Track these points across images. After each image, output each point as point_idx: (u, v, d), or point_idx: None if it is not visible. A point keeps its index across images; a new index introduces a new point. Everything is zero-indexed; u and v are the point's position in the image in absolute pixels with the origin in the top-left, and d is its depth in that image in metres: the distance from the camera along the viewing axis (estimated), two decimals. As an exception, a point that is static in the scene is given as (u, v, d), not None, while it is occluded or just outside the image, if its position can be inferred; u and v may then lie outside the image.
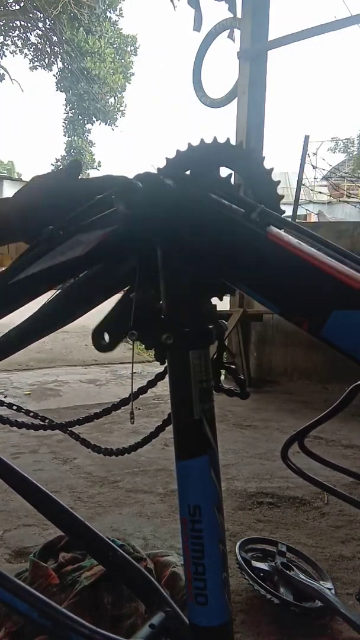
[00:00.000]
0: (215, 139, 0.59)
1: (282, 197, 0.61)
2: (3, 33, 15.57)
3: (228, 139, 0.60)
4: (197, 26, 4.71)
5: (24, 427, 1.06)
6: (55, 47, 15.98)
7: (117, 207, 0.53)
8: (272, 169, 0.60)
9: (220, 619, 0.51)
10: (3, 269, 0.65)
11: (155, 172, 0.61)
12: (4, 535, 1.81)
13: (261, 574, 1.48)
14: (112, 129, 19.41)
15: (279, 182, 0.62)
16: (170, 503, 2.09)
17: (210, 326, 0.57)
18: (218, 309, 0.62)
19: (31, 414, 1.06)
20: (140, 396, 0.86)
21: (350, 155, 26.83)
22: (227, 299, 4.03)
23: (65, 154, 19.67)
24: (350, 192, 14.40)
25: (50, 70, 16.98)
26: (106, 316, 0.60)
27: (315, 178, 9.82)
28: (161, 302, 0.57)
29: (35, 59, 16.52)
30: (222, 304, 0.71)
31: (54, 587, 1.27)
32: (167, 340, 0.53)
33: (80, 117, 19.16)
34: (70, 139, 19.50)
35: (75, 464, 2.51)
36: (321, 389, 4.15)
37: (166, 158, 0.62)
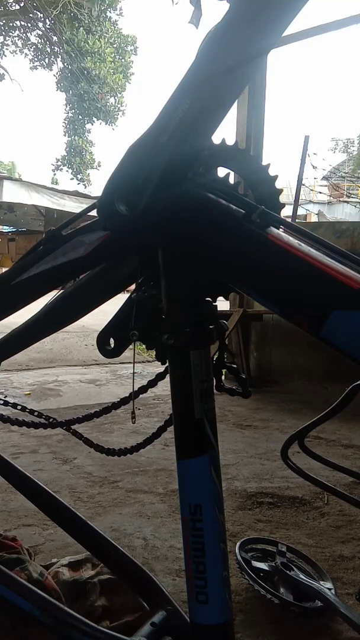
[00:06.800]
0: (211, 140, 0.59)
1: (281, 190, 0.61)
2: (3, 33, 15.57)
3: (224, 139, 0.60)
4: (195, 21, 4.69)
5: (24, 425, 1.06)
6: (55, 47, 15.97)
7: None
8: (269, 164, 0.60)
9: (221, 617, 0.51)
10: (4, 269, 0.65)
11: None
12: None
13: (261, 574, 1.49)
14: (113, 129, 19.42)
15: (277, 176, 0.62)
16: (170, 503, 2.09)
17: (210, 326, 0.57)
18: (218, 309, 0.62)
19: (35, 413, 1.07)
20: (140, 396, 0.86)
21: (350, 155, 26.81)
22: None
23: (66, 154, 19.67)
24: (350, 192, 14.41)
25: (50, 70, 16.98)
26: (111, 321, 0.60)
27: (315, 178, 9.82)
28: (162, 302, 0.57)
29: (35, 59, 16.53)
30: (222, 303, 0.71)
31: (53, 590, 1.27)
32: (168, 340, 0.53)
33: (80, 117, 19.12)
34: (70, 138, 19.47)
35: (75, 464, 2.51)
36: (321, 389, 4.15)
37: None
